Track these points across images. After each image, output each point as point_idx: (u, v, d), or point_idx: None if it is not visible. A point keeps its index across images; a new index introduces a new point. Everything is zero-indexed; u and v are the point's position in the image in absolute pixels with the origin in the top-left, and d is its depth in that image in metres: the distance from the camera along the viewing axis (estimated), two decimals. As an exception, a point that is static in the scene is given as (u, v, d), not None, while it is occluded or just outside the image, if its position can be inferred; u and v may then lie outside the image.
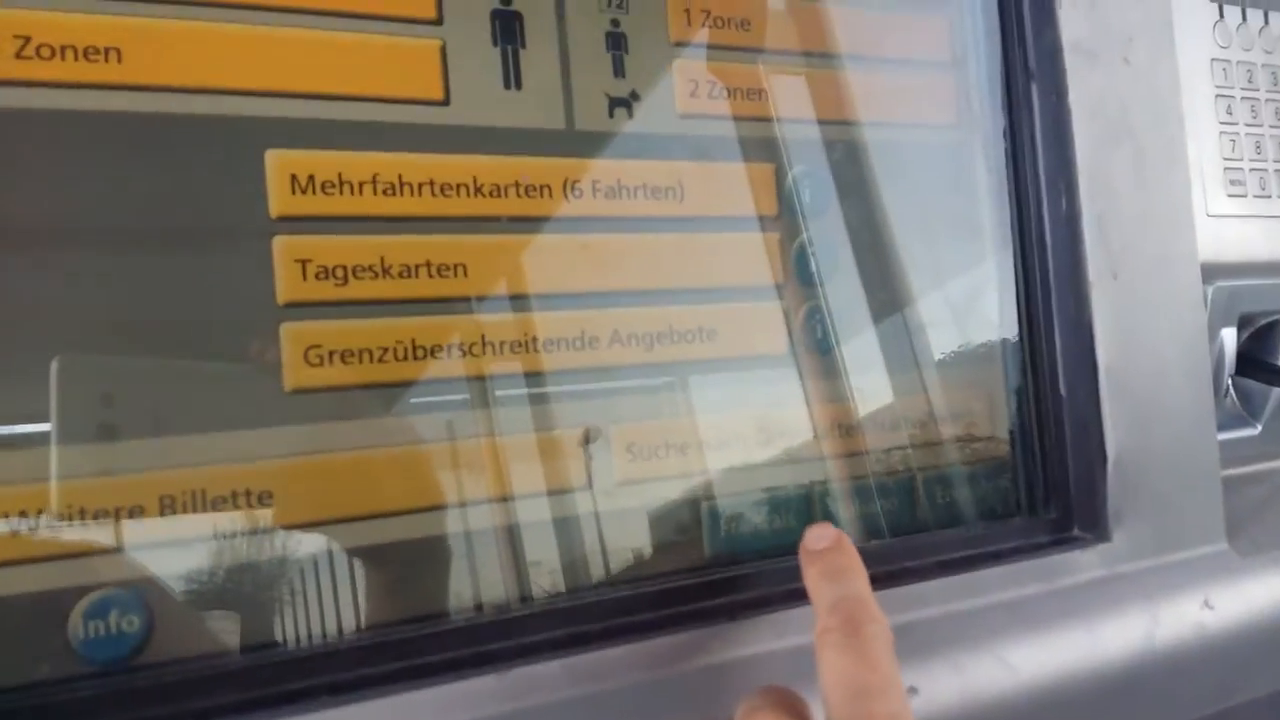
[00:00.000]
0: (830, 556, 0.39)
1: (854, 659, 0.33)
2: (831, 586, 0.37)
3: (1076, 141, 0.54)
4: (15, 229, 0.36)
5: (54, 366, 0.36)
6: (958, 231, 0.56)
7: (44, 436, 0.36)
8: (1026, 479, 0.56)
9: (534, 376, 0.45)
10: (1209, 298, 0.59)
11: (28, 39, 0.37)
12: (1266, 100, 0.61)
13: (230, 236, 0.40)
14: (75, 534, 0.37)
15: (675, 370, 0.48)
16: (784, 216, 0.51)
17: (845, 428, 0.52)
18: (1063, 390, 0.55)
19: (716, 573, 0.47)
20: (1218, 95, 0.59)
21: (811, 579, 0.39)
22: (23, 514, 0.36)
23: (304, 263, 0.41)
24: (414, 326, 0.43)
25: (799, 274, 0.51)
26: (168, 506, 0.38)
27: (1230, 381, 0.64)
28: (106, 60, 0.38)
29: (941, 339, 0.55)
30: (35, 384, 0.36)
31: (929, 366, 0.54)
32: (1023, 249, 0.55)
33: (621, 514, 0.46)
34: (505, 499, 0.44)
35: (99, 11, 0.38)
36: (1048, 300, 0.55)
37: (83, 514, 0.37)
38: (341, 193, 0.41)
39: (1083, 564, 0.54)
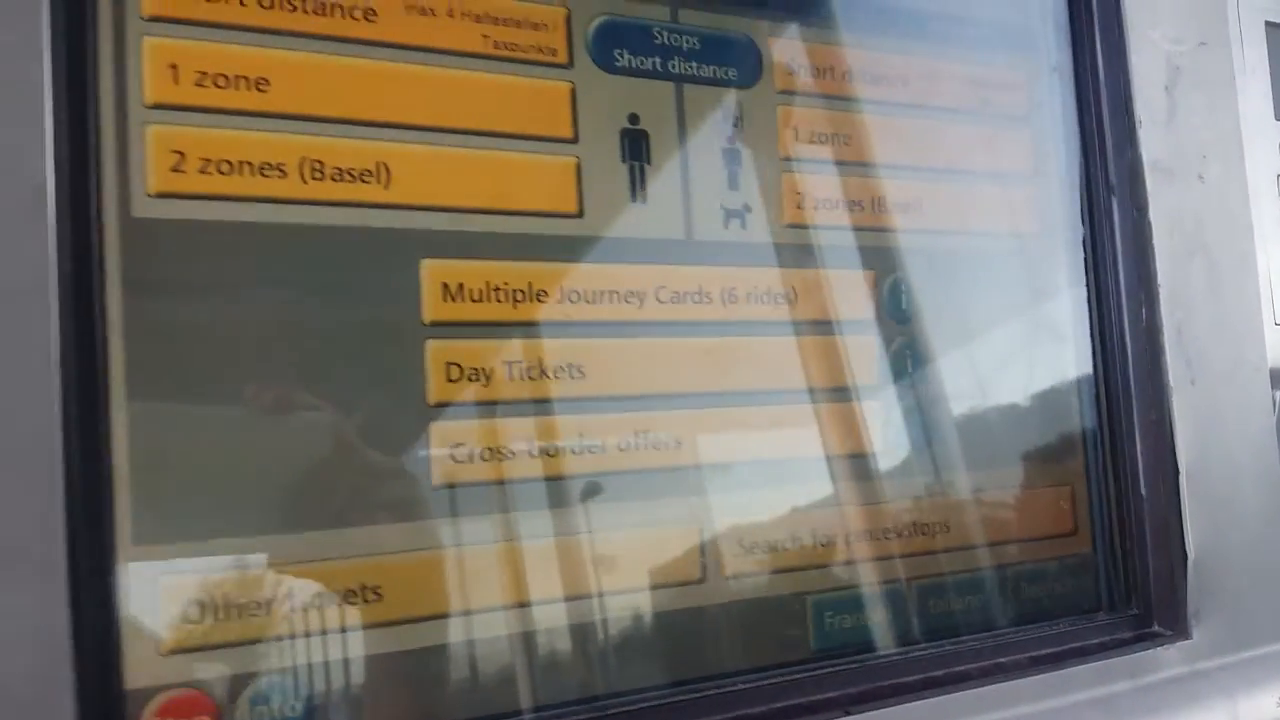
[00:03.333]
0: None
1: None
2: None
3: (1156, 255, 0.57)
4: (193, 325, 0.39)
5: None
6: (1041, 337, 0.58)
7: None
8: (1108, 576, 0.58)
9: (653, 473, 0.47)
10: (1277, 402, 0.61)
11: (208, 159, 0.40)
12: (1327, 213, 0.64)
13: (387, 340, 0.42)
14: (244, 624, 0.39)
15: (782, 467, 0.50)
16: (881, 320, 0.54)
17: (936, 525, 0.54)
18: (1143, 491, 0.57)
19: (827, 666, 0.48)
20: (1283, 209, 0.62)
21: None
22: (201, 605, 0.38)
23: (452, 365, 0.43)
24: (546, 426, 0.45)
25: (893, 374, 0.54)
26: (329, 596, 0.40)
27: (1296, 482, 0.66)
28: (284, 176, 0.41)
29: (1026, 440, 0.57)
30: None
31: (1014, 466, 0.57)
32: (1104, 356, 0.58)
33: (729, 609, 0.48)
34: (616, 593, 0.46)
35: (271, 130, 0.41)
36: (1128, 405, 0.57)
37: (256, 605, 0.39)
38: (488, 300, 0.44)
39: (1165, 661, 0.55)
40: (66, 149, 0.35)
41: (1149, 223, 0.57)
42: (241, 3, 0.41)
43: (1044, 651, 0.53)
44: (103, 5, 0.38)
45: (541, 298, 0.46)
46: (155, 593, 0.38)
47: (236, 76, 0.40)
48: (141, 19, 0.39)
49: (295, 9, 0.41)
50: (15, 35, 0.34)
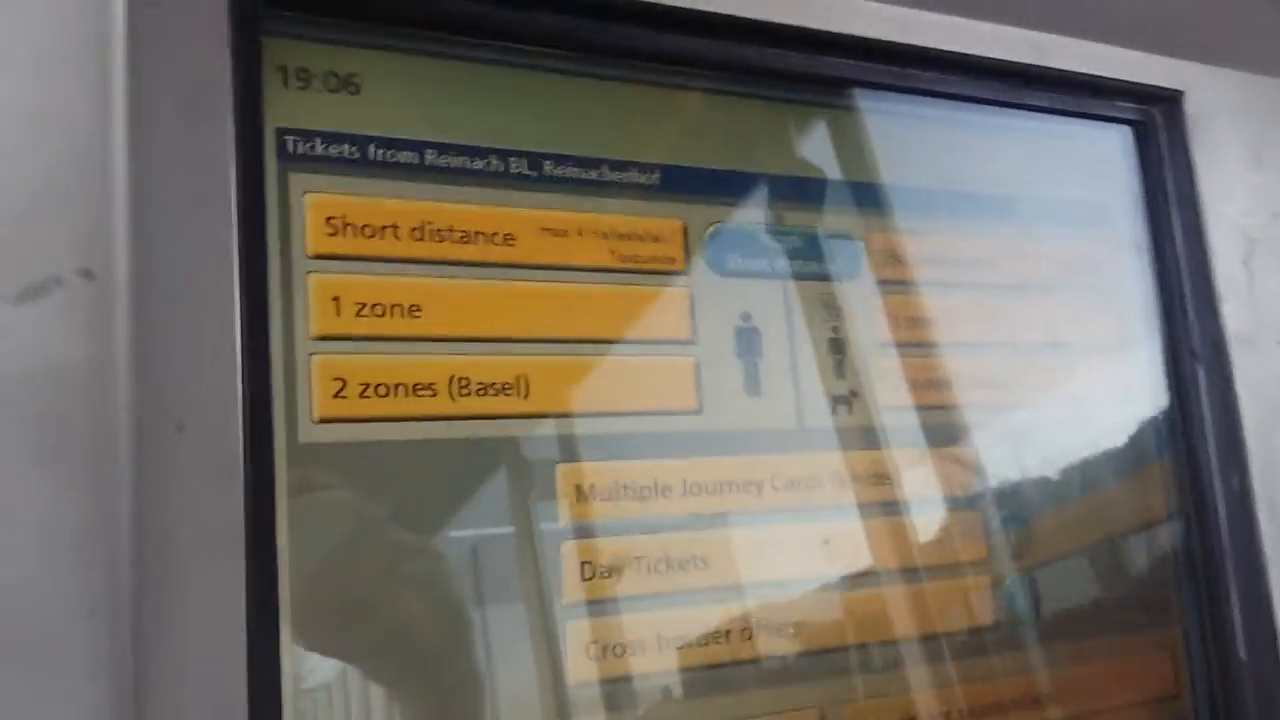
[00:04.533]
0: None
1: None
2: None
3: (1244, 422, 0.59)
4: (345, 542, 0.42)
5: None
6: (1136, 505, 0.60)
7: None
8: (1215, 745, 0.58)
9: (775, 660, 0.49)
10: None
11: (367, 384, 0.43)
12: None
13: (526, 544, 0.45)
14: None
15: (897, 649, 0.52)
16: (985, 496, 0.55)
17: (1040, 697, 0.55)
18: (1243, 655, 0.58)
19: None
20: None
21: None
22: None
23: (586, 564, 0.45)
24: (672, 619, 0.47)
25: (1001, 549, 0.55)
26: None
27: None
28: (434, 395, 0.44)
29: (1129, 608, 0.58)
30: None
31: (1118, 633, 0.58)
32: (1200, 524, 0.59)
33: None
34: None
35: (423, 353, 0.44)
36: (1225, 572, 0.58)
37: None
38: (618, 499, 0.46)
39: (1277, 832, 0.55)
40: (250, 388, 0.38)
41: (1235, 392, 0.59)
42: (396, 236, 0.44)
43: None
44: (271, 246, 0.42)
45: (666, 494, 0.48)
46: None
47: (392, 305, 0.43)
48: (307, 257, 0.42)
49: (443, 239, 0.45)
50: (213, 281, 0.37)
